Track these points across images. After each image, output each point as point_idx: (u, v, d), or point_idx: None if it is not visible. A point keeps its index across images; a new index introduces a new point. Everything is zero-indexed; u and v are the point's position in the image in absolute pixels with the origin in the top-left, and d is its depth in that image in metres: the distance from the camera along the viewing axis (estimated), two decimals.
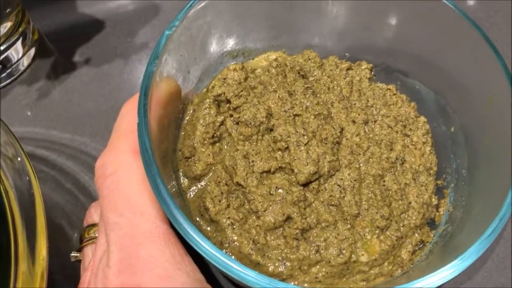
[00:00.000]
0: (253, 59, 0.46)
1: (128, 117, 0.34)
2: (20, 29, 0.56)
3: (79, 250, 0.37)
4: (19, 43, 0.57)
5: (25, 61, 0.58)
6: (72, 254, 0.38)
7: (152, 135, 0.31)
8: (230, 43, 0.43)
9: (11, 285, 0.30)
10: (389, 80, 0.45)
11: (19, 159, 0.35)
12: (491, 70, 0.35)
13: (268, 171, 0.37)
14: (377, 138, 0.40)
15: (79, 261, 0.37)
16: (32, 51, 0.59)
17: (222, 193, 0.37)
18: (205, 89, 0.42)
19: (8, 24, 0.54)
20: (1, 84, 0.57)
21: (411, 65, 0.44)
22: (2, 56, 0.55)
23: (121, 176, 0.31)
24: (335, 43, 0.46)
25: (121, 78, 0.58)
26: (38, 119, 0.55)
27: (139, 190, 0.31)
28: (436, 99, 0.42)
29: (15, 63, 0.57)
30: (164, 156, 0.37)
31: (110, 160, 0.32)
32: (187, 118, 0.40)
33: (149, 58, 0.33)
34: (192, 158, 0.38)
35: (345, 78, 0.43)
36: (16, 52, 0.57)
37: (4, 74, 0.57)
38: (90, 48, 0.60)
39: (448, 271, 0.28)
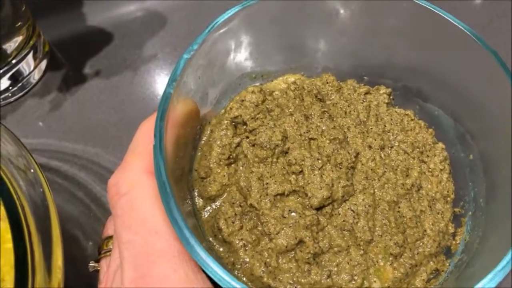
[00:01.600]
0: (271, 81, 0.46)
1: (143, 137, 0.35)
2: (31, 42, 0.58)
3: (98, 260, 0.38)
4: (30, 56, 0.58)
5: (37, 74, 0.60)
6: (90, 264, 0.38)
7: (167, 157, 0.32)
8: (249, 66, 0.44)
9: None
10: (408, 104, 0.45)
11: (31, 170, 0.36)
12: (509, 97, 0.35)
13: (282, 194, 0.37)
14: (393, 164, 0.40)
15: (97, 271, 0.38)
16: (43, 64, 0.61)
17: (235, 214, 0.37)
18: (223, 110, 0.43)
19: (19, 38, 0.56)
20: (14, 97, 0.58)
21: (431, 90, 0.44)
22: (14, 70, 0.57)
23: (136, 196, 0.32)
24: (354, 67, 0.46)
25: (131, 89, 0.59)
26: (50, 131, 0.56)
27: (154, 210, 0.31)
28: (455, 125, 0.42)
29: (26, 76, 0.59)
30: (179, 175, 0.37)
31: (125, 179, 0.33)
32: (204, 139, 0.41)
33: (168, 80, 0.34)
34: (208, 178, 0.39)
35: (362, 103, 0.43)
36: (27, 65, 0.59)
37: (16, 87, 0.58)
38: (100, 60, 0.62)
39: None
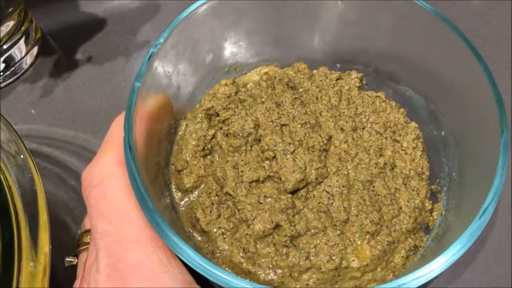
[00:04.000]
0: (245, 74, 0.47)
1: (116, 131, 0.35)
2: (23, 28, 0.58)
3: (76, 255, 0.38)
4: (22, 41, 0.58)
5: (28, 60, 0.59)
6: (66, 259, 0.39)
7: (138, 149, 0.32)
8: (222, 59, 0.44)
9: (15, 280, 0.31)
10: (381, 88, 0.46)
11: (21, 156, 0.36)
12: (473, 74, 0.36)
13: (257, 181, 0.38)
14: (365, 145, 0.41)
15: (73, 266, 0.38)
16: (35, 50, 0.60)
17: (212, 203, 0.38)
18: (198, 105, 0.44)
19: (10, 23, 0.55)
20: (5, 83, 0.58)
21: (402, 73, 0.44)
22: (5, 55, 0.57)
23: (108, 186, 0.33)
24: (326, 55, 0.47)
25: (123, 76, 0.59)
26: (41, 117, 0.56)
27: (126, 198, 0.32)
28: (427, 104, 0.42)
29: (18, 61, 0.58)
30: (156, 170, 0.38)
31: (97, 171, 0.33)
32: (180, 133, 0.42)
33: (136, 75, 0.35)
34: (184, 171, 0.40)
35: (333, 88, 0.43)
36: (19, 50, 0.58)
37: (7, 73, 0.58)
38: (92, 46, 0.61)
39: (433, 267, 0.28)
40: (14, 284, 0.31)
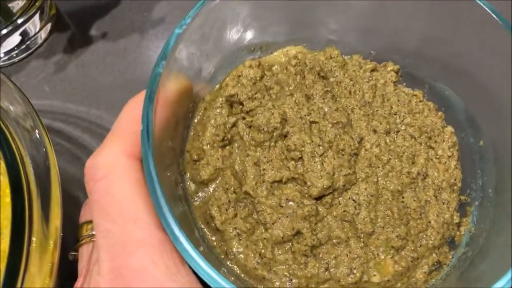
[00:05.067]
0: (271, 53, 0.43)
1: (127, 117, 0.32)
2: (37, 3, 0.57)
3: (77, 249, 0.36)
4: (36, 17, 0.58)
5: (43, 35, 0.59)
6: (70, 253, 0.37)
7: (155, 142, 0.29)
8: (247, 37, 0.40)
9: (25, 251, 0.30)
10: (417, 83, 0.42)
11: (37, 131, 0.36)
12: None
13: (280, 181, 0.35)
14: (398, 150, 0.37)
15: (76, 260, 0.36)
16: (49, 25, 0.60)
17: (229, 201, 0.35)
18: (218, 86, 0.40)
19: None
20: (18, 57, 0.58)
21: (441, 69, 0.40)
22: (20, 29, 0.57)
23: (113, 180, 0.29)
24: (360, 40, 0.43)
25: (138, 53, 0.58)
26: (54, 93, 0.56)
27: (133, 196, 0.29)
28: (466, 108, 0.39)
29: (32, 36, 0.58)
30: (170, 158, 0.35)
31: (102, 162, 0.30)
32: (197, 118, 0.38)
33: (158, 57, 0.31)
34: (201, 161, 0.36)
35: (368, 82, 0.40)
36: (33, 25, 0.58)
37: (22, 47, 0.58)
38: (107, 23, 0.61)
39: None
40: (24, 256, 0.30)
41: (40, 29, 0.58)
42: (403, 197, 0.36)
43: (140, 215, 0.29)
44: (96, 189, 0.30)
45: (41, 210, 0.32)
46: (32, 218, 0.32)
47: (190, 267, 0.28)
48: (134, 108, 0.32)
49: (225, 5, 0.35)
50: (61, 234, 0.33)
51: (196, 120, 0.38)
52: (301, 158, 0.35)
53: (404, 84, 0.43)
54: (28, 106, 0.37)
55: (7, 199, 0.33)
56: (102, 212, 0.29)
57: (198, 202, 0.36)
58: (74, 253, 0.36)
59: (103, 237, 0.29)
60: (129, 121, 0.32)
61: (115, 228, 0.29)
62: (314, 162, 0.35)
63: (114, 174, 0.30)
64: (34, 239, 0.31)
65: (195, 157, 0.37)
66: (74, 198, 0.48)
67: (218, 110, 0.38)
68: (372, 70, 0.41)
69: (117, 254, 0.28)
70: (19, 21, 0.56)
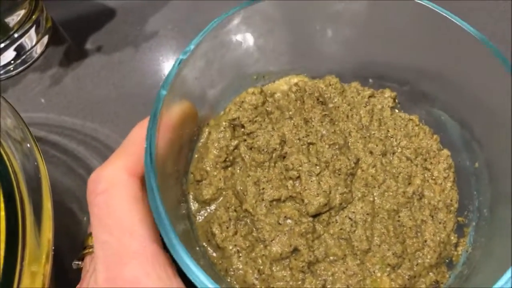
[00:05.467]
0: (274, 82, 0.45)
1: (135, 137, 0.34)
2: (34, 17, 0.58)
3: (81, 258, 0.38)
4: (32, 30, 0.59)
5: (39, 49, 0.60)
6: (74, 262, 0.38)
7: (158, 162, 0.31)
8: (251, 66, 0.43)
9: (18, 264, 0.31)
10: (414, 109, 0.44)
11: (27, 143, 0.37)
12: None
13: (278, 200, 0.37)
14: (394, 171, 0.39)
15: (80, 269, 0.37)
16: (46, 39, 0.61)
17: (230, 219, 0.36)
18: (222, 112, 0.42)
19: (21, 12, 0.56)
20: (15, 71, 0.59)
21: (438, 95, 0.42)
22: (16, 44, 0.57)
23: (113, 195, 0.31)
24: (359, 69, 0.45)
25: (131, 66, 0.59)
26: (50, 105, 0.57)
27: (130, 210, 0.31)
28: (462, 132, 0.40)
29: (28, 50, 0.59)
30: (175, 179, 0.37)
31: (104, 177, 0.32)
32: (201, 141, 0.40)
33: (163, 82, 0.33)
34: (203, 181, 0.38)
35: (365, 106, 0.41)
36: (29, 39, 0.59)
37: (18, 61, 0.59)
38: (102, 36, 0.62)
39: None
40: (18, 268, 0.31)
41: (36, 43, 0.60)
42: (399, 216, 0.37)
43: (136, 228, 0.30)
44: (96, 202, 0.32)
45: (34, 223, 0.33)
46: (25, 231, 0.32)
47: (183, 279, 0.29)
48: (141, 128, 0.34)
49: (227, 33, 0.37)
50: (53, 247, 0.33)
51: (200, 143, 0.40)
52: (298, 177, 0.36)
53: (402, 110, 0.44)
54: (18, 118, 0.37)
55: (1, 213, 0.34)
56: (101, 224, 0.31)
57: (200, 221, 0.38)
58: (78, 262, 0.37)
59: (101, 249, 0.30)
60: (136, 141, 0.34)
61: (112, 240, 0.30)
62: (311, 181, 0.36)
63: (114, 189, 0.31)
64: (27, 252, 0.32)
65: (198, 177, 0.38)
66: (69, 210, 0.49)
67: (221, 134, 0.40)
68: (370, 96, 0.43)
69: (113, 265, 0.30)
70: (16, 35, 0.57)
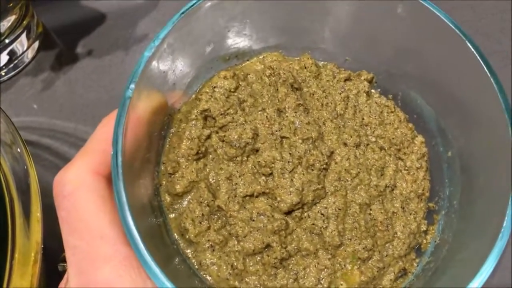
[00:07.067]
0: (247, 61, 0.43)
1: (98, 135, 0.33)
2: (24, 22, 0.58)
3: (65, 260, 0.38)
4: (23, 36, 0.59)
5: (30, 54, 0.61)
6: (60, 264, 0.38)
7: (126, 153, 0.30)
8: (223, 48, 0.41)
9: (8, 264, 0.32)
10: (390, 89, 0.43)
11: (17, 148, 0.37)
12: (488, 98, 0.33)
13: (251, 195, 0.36)
14: (367, 163, 0.38)
15: (65, 271, 0.38)
16: (37, 44, 0.61)
17: (203, 214, 0.36)
18: (193, 96, 0.40)
19: (12, 18, 0.56)
20: (7, 76, 0.59)
21: (415, 78, 0.41)
22: (8, 49, 0.58)
23: (79, 197, 0.30)
24: (337, 47, 0.43)
25: (122, 69, 0.60)
26: (42, 110, 0.58)
27: (99, 213, 0.30)
28: (437, 118, 0.40)
29: (20, 55, 0.60)
30: (144, 170, 0.36)
31: (70, 178, 0.31)
32: (173, 129, 0.39)
33: (128, 80, 0.32)
34: (176, 174, 0.37)
35: (341, 93, 0.40)
36: (21, 45, 0.59)
37: (9, 66, 0.59)
38: (93, 40, 0.62)
39: None
40: (7, 268, 0.32)
41: (28, 48, 0.60)
42: (370, 209, 0.37)
43: (106, 232, 0.30)
44: (64, 205, 0.31)
45: (23, 225, 0.34)
46: (15, 233, 0.33)
47: None
48: (105, 126, 0.33)
49: (196, 20, 0.35)
50: (42, 247, 0.34)
51: (171, 132, 0.39)
52: (271, 174, 0.36)
53: (379, 90, 0.43)
54: (8, 123, 0.38)
55: None
56: (70, 229, 0.30)
57: (173, 215, 0.38)
58: (63, 264, 0.37)
59: (72, 254, 0.30)
60: (99, 139, 0.33)
61: (82, 244, 0.30)
62: (284, 179, 0.36)
63: (80, 192, 0.31)
64: (16, 253, 0.33)
65: (170, 170, 0.37)
66: None
67: (193, 122, 0.38)
68: (346, 80, 0.41)
69: (85, 269, 0.29)
70: (7, 41, 0.57)
